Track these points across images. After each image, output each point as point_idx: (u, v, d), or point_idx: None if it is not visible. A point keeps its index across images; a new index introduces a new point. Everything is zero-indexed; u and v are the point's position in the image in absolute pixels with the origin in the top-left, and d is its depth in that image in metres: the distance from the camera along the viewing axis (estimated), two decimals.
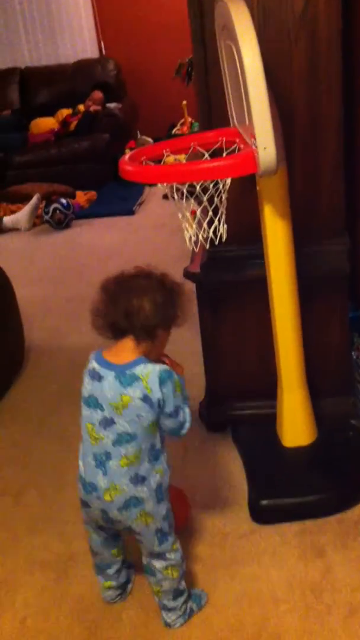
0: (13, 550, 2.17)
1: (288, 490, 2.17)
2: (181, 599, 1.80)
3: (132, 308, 1.61)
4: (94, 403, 1.64)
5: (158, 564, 1.75)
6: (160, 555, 1.74)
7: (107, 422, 1.62)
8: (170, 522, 1.74)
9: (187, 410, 1.69)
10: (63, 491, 2.36)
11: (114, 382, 1.60)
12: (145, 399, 1.59)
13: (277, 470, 2.25)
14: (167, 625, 1.82)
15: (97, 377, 1.64)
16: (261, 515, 2.15)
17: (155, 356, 1.68)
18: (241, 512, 2.19)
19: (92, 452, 1.65)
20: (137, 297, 1.61)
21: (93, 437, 1.65)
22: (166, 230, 4.86)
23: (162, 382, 1.59)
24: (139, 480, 1.64)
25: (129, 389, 1.59)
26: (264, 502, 2.15)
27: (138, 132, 6.83)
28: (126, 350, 1.64)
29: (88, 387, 1.66)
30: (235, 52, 1.67)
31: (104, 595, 1.92)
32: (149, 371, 1.59)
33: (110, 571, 1.87)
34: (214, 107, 2.15)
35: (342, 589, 1.88)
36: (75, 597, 1.97)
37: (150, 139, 6.36)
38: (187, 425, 1.70)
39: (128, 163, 1.83)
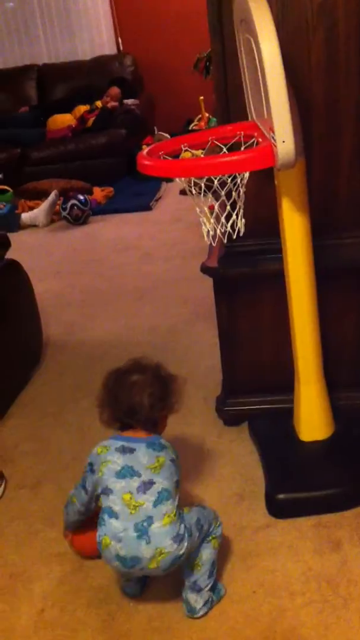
0: (30, 542, 2.19)
1: (305, 484, 2.17)
2: (212, 580, 1.83)
3: (134, 406, 1.78)
4: (129, 472, 1.73)
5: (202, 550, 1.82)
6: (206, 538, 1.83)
7: (147, 485, 1.71)
8: (204, 519, 1.81)
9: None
10: None
11: (147, 450, 1.76)
12: (173, 461, 1.78)
13: (294, 464, 2.25)
14: (192, 611, 1.82)
15: (128, 450, 1.76)
16: (278, 509, 2.15)
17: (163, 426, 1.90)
18: (258, 505, 2.19)
19: (134, 522, 1.69)
20: (137, 395, 1.79)
21: (132, 506, 1.70)
22: (183, 225, 4.86)
23: (177, 455, 1.82)
24: (179, 539, 1.70)
25: (162, 452, 1.76)
26: (281, 496, 2.15)
27: (155, 127, 6.83)
28: (139, 430, 1.81)
29: (119, 461, 1.75)
30: (254, 46, 1.67)
31: (124, 589, 1.94)
32: (169, 445, 1.81)
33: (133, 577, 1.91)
34: (232, 100, 2.15)
35: (358, 582, 1.88)
36: (92, 588, 1.98)
37: (167, 135, 6.36)
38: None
39: (146, 157, 1.84)
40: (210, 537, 1.83)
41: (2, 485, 2.41)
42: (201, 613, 1.83)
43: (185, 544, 1.71)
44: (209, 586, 1.83)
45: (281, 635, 1.77)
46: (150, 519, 1.68)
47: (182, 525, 1.72)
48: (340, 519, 2.10)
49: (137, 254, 4.57)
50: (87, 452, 1.86)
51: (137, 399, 1.78)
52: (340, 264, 2.26)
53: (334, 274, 2.27)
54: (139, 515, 1.69)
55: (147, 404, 1.78)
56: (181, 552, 1.70)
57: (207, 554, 1.82)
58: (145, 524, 1.68)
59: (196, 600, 1.82)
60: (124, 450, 1.76)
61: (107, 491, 1.74)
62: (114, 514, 1.71)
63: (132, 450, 1.76)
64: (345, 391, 2.45)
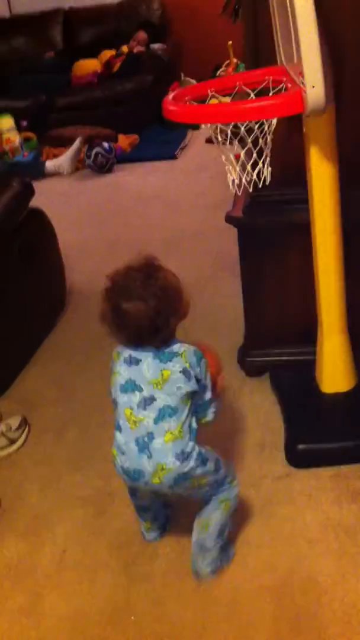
0: (54, 485, 2.24)
1: (325, 435, 2.19)
2: (221, 541, 1.82)
3: (139, 333, 1.66)
4: (131, 387, 1.68)
5: (219, 496, 1.80)
6: (220, 489, 1.80)
7: (147, 401, 1.66)
8: (224, 468, 1.78)
9: (211, 393, 1.76)
10: (104, 429, 2.40)
11: (153, 361, 1.67)
12: (184, 371, 1.66)
13: (315, 415, 2.26)
14: (196, 573, 1.83)
15: (134, 361, 1.69)
16: (298, 459, 2.17)
17: (183, 318, 1.73)
18: (278, 455, 2.21)
19: (134, 437, 1.67)
20: (137, 324, 1.64)
21: (132, 421, 1.67)
22: (208, 175, 4.80)
23: (198, 360, 1.69)
24: (184, 457, 1.65)
25: (169, 364, 1.66)
26: (301, 446, 2.17)
27: (182, 73, 6.70)
28: None
29: (124, 373, 1.70)
30: None
31: (144, 535, 1.97)
32: (186, 349, 1.68)
33: (150, 514, 1.92)
34: (261, 44, 2.09)
35: None
36: (113, 532, 2.03)
37: (194, 81, 6.23)
38: (212, 410, 1.78)
39: (172, 103, 1.81)
40: (221, 498, 1.80)
41: (26, 431, 2.46)
42: (204, 575, 1.83)
43: (192, 463, 1.66)
44: (217, 547, 1.82)
45: (298, 582, 1.80)
46: (151, 435, 1.65)
47: (192, 444, 1.67)
48: (359, 470, 2.11)
49: (162, 203, 4.53)
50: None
51: (138, 327, 1.64)
52: None
53: None
54: (139, 430, 1.66)
55: (150, 328, 1.64)
56: (186, 469, 1.65)
57: (216, 516, 1.80)
58: (146, 439, 1.65)
59: (202, 561, 1.82)
60: (130, 362, 1.70)
61: (115, 403, 1.73)
62: (118, 427, 1.71)
63: (137, 362, 1.68)
64: None
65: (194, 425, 1.71)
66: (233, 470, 1.84)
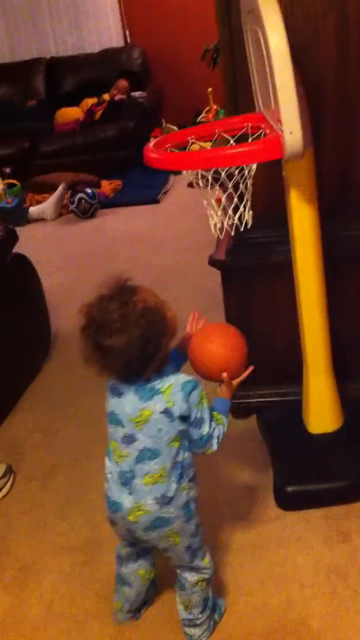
0: (40, 534, 2.20)
1: (314, 476, 2.17)
2: (208, 611, 1.75)
3: (133, 361, 1.49)
4: (115, 420, 1.58)
5: (190, 577, 1.71)
6: (192, 569, 1.71)
7: (128, 439, 1.56)
8: (201, 537, 1.69)
9: (213, 424, 1.61)
10: (90, 476, 2.38)
11: (133, 397, 1.54)
12: (166, 412, 1.52)
13: (303, 456, 2.25)
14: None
15: (117, 392, 1.57)
16: (286, 501, 2.15)
17: (164, 360, 1.56)
18: (267, 498, 2.19)
19: (118, 470, 1.60)
20: (120, 362, 1.49)
21: (118, 454, 1.59)
22: (192, 218, 4.85)
23: (185, 394, 1.52)
24: (165, 501, 1.57)
25: (149, 403, 1.52)
26: (290, 488, 2.15)
27: (163, 120, 6.81)
28: None
29: (109, 403, 1.60)
30: (261, 37, 1.66)
31: (114, 615, 1.85)
32: (171, 384, 1.53)
33: (130, 591, 1.80)
34: (239, 92, 2.14)
35: None
36: (101, 580, 1.99)
37: (175, 127, 6.34)
38: (215, 441, 1.61)
39: (153, 150, 1.84)
40: (193, 581, 1.71)
41: (11, 479, 2.42)
42: (204, 639, 1.77)
43: (172, 509, 1.58)
44: (206, 617, 1.76)
45: (290, 626, 1.77)
46: (132, 473, 1.57)
47: (174, 487, 1.57)
48: (349, 510, 2.10)
49: (146, 246, 4.56)
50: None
51: (128, 361, 1.49)
52: (353, 252, 2.26)
53: (346, 263, 2.27)
54: (124, 465, 1.58)
55: (141, 359, 1.48)
56: (164, 515, 1.57)
57: (195, 597, 1.73)
58: (128, 475, 1.58)
59: (195, 633, 1.76)
60: (113, 391, 1.58)
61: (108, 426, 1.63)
62: (108, 454, 1.64)
63: (120, 394, 1.56)
64: (358, 382, 2.44)
65: (187, 463, 1.60)
66: (205, 542, 1.74)
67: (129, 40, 7.09)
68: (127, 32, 7.07)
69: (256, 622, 1.80)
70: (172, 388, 1.52)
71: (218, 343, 1.74)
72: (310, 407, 2.26)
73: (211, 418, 1.60)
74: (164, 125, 6.67)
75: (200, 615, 1.75)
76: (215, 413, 1.64)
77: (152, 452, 1.55)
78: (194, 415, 1.56)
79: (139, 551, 1.76)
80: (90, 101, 6.59)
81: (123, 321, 1.46)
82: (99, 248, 4.72)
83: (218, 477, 2.31)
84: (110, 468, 1.63)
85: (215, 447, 1.62)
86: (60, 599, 1.96)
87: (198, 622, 1.75)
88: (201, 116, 6.47)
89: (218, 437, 1.62)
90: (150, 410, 1.52)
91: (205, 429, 1.58)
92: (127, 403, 1.55)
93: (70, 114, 6.58)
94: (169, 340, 1.55)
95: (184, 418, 1.55)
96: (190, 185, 5.41)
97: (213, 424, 1.61)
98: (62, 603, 1.95)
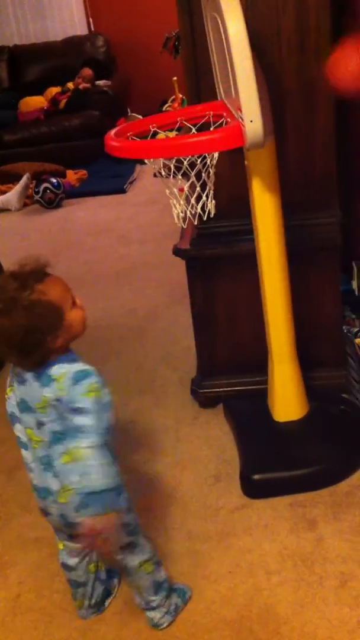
0: (6, 528, 2.19)
1: (280, 464, 2.19)
2: (163, 593, 1.75)
3: (10, 347, 1.46)
4: (25, 407, 1.55)
5: (131, 561, 1.69)
6: (131, 552, 1.68)
7: (39, 424, 1.54)
8: (135, 515, 1.68)
9: (92, 420, 1.45)
10: None
11: (34, 383, 1.51)
12: (59, 400, 1.48)
13: (269, 444, 2.26)
14: (155, 625, 1.77)
15: (21, 380, 1.54)
16: (253, 489, 2.16)
17: (76, 333, 1.54)
18: (233, 486, 2.20)
19: (36, 456, 1.57)
20: (9, 336, 1.44)
21: (34, 440, 1.56)
22: (158, 208, 4.84)
23: (75, 380, 1.47)
24: None
25: (46, 389, 1.49)
26: (256, 476, 2.16)
27: (129, 109, 6.77)
28: None
29: (18, 392, 1.57)
30: (220, 24, 1.66)
31: (78, 612, 1.84)
32: (64, 372, 1.48)
33: (86, 589, 1.79)
34: (201, 80, 2.13)
35: (333, 560, 1.90)
36: None
37: (140, 116, 6.30)
38: (85, 436, 1.44)
39: (113, 139, 1.82)
40: (135, 564, 1.69)
41: None
42: (165, 624, 1.76)
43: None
44: (163, 599, 1.75)
45: (257, 614, 1.78)
46: (49, 457, 1.55)
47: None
48: (315, 498, 2.12)
49: (112, 236, 4.54)
50: None
51: (5, 345, 1.46)
52: (315, 243, 2.26)
53: (309, 253, 2.27)
54: (40, 450, 1.56)
55: (18, 348, 1.45)
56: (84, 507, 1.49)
57: (144, 581, 1.71)
58: (46, 459, 1.56)
59: (154, 615, 1.76)
60: (19, 379, 1.55)
61: (14, 419, 1.60)
62: (23, 445, 1.61)
63: (24, 381, 1.53)
64: (323, 370, 2.46)
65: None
66: (138, 522, 1.70)
67: (92, 28, 7.03)
68: (91, 20, 7.01)
69: (223, 610, 1.81)
70: (65, 375, 1.47)
71: None
72: (275, 396, 2.27)
73: (99, 417, 1.46)
74: (129, 114, 6.63)
75: (153, 598, 1.74)
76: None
77: (61, 435, 1.50)
78: (75, 402, 1.45)
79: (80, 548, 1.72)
80: (54, 90, 6.53)
81: (11, 304, 1.42)
82: (64, 238, 4.69)
83: (185, 467, 2.32)
84: (28, 457, 1.60)
85: (87, 453, 1.44)
86: (28, 591, 1.95)
87: (154, 604, 1.75)
88: (167, 105, 6.44)
89: (97, 448, 1.44)
90: (47, 396, 1.49)
91: (83, 421, 1.45)
92: (31, 389, 1.52)
93: (34, 103, 6.51)
94: (58, 339, 1.48)
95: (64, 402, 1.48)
96: (156, 175, 5.40)
97: (100, 428, 1.45)
98: (29, 596, 1.94)
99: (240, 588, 1.86)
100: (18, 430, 1.62)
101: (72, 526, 1.59)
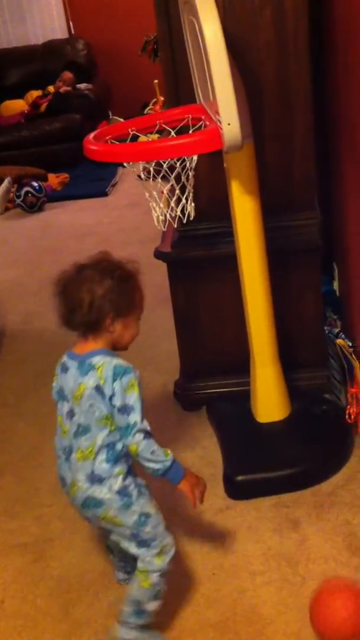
0: None
1: (263, 465, 2.19)
2: (138, 621, 1.64)
3: (73, 305, 1.59)
4: (62, 395, 1.64)
5: (138, 564, 1.64)
6: (141, 559, 1.63)
7: (70, 414, 1.61)
8: (155, 531, 1.62)
9: (145, 422, 1.55)
10: (40, 474, 2.36)
11: (75, 372, 1.60)
12: (98, 389, 1.55)
13: (252, 445, 2.27)
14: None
15: (65, 369, 1.64)
16: (237, 490, 2.17)
17: (124, 344, 1.67)
18: (217, 488, 2.19)
19: (62, 445, 1.64)
20: (76, 291, 1.58)
21: (63, 429, 1.63)
22: (140, 210, 4.83)
23: (115, 375, 1.55)
24: (95, 479, 1.57)
25: (85, 377, 1.57)
26: (239, 477, 2.17)
27: (110, 112, 6.76)
28: (89, 342, 1.62)
29: (59, 379, 1.66)
30: (197, 27, 1.66)
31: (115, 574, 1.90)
32: (105, 362, 1.57)
33: (116, 560, 1.87)
34: (180, 83, 2.14)
35: (316, 560, 1.91)
36: (53, 578, 1.98)
37: (121, 119, 6.29)
38: (142, 438, 1.53)
39: (92, 142, 1.82)
40: (140, 568, 1.63)
41: None
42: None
43: (106, 492, 1.56)
44: (136, 628, 1.65)
45: (242, 615, 1.79)
46: (71, 448, 1.60)
47: (106, 467, 1.56)
48: (298, 498, 2.13)
49: (95, 240, 4.53)
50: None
51: (75, 295, 1.58)
52: (296, 244, 2.27)
53: (290, 254, 2.28)
54: (66, 439, 1.62)
55: (85, 302, 1.57)
56: (97, 495, 1.57)
57: (133, 589, 1.64)
58: (68, 450, 1.61)
59: (119, 632, 1.66)
60: (62, 368, 1.65)
61: (56, 403, 1.68)
62: (57, 428, 1.66)
63: (66, 370, 1.63)
64: (305, 371, 2.47)
65: (119, 448, 1.58)
66: (167, 543, 1.65)
67: (73, 31, 7.02)
68: (71, 24, 7.00)
69: (208, 612, 1.81)
70: (105, 365, 1.56)
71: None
72: (257, 397, 2.28)
73: (142, 412, 1.55)
74: (110, 117, 6.63)
75: (131, 615, 1.64)
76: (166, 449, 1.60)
77: (84, 428, 1.58)
78: (121, 400, 1.54)
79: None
80: (35, 93, 6.51)
81: (108, 271, 1.59)
82: (47, 242, 4.68)
83: None
84: (57, 444, 1.66)
85: (142, 446, 1.53)
86: (12, 597, 1.94)
87: (126, 618, 1.65)
88: (148, 108, 6.44)
89: (148, 439, 1.54)
90: (85, 384, 1.57)
91: (133, 418, 1.53)
92: (71, 377, 1.60)
93: (15, 106, 6.49)
94: (115, 327, 1.61)
95: (110, 398, 1.55)
96: (140, 177, 5.40)
97: (145, 422, 1.55)
98: (13, 602, 1.93)
99: (224, 589, 1.86)
100: (57, 413, 1.67)
101: (85, 519, 1.67)
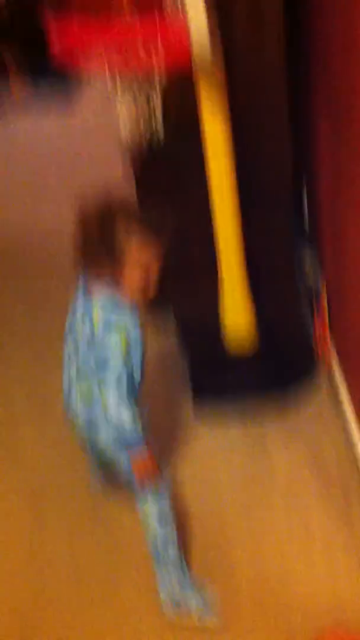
0: None
1: (227, 367, 2.25)
2: (161, 557, 1.68)
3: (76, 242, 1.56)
4: (72, 329, 1.64)
5: (139, 508, 1.68)
6: (139, 497, 1.66)
7: (76, 346, 1.64)
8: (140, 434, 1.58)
9: (122, 387, 1.52)
10: None
11: (83, 311, 1.60)
12: (93, 330, 1.56)
13: (217, 352, 2.28)
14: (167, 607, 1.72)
15: (74, 308, 1.64)
16: (201, 393, 2.26)
17: (138, 289, 1.58)
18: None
19: (71, 374, 1.67)
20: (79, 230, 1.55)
21: (72, 359, 1.66)
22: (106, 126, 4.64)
23: (106, 327, 1.54)
24: (87, 402, 1.62)
25: (91, 315, 1.56)
26: (205, 380, 2.28)
27: None
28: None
29: (79, 305, 1.63)
30: None
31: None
32: (125, 324, 1.55)
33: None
34: None
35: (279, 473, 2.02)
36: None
37: None
38: (111, 395, 1.51)
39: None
40: (142, 508, 1.66)
41: None
42: (162, 601, 1.71)
43: (101, 430, 1.60)
44: (164, 566, 1.69)
45: (211, 538, 1.88)
46: (72, 381, 1.66)
47: (98, 392, 1.56)
48: (265, 432, 2.18)
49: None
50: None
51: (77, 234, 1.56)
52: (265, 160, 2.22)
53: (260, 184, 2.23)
54: (73, 369, 1.65)
55: (79, 240, 1.55)
56: (92, 418, 1.61)
57: (147, 529, 1.66)
58: (74, 377, 1.65)
59: (157, 577, 1.72)
60: (73, 308, 1.65)
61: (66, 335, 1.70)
62: (63, 365, 1.69)
63: (76, 309, 1.63)
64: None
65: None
66: (148, 501, 1.65)
67: None
68: None
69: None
70: (99, 313, 1.55)
71: None
72: (225, 306, 2.25)
73: (119, 375, 1.52)
74: None
75: (154, 551, 1.69)
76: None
77: (86, 356, 1.58)
78: (102, 352, 1.53)
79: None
80: None
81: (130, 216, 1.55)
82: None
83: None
84: (64, 375, 1.68)
85: (111, 399, 1.52)
86: None
87: (153, 555, 1.70)
88: None
89: (119, 401, 1.52)
90: (91, 320, 1.56)
91: (106, 374, 1.52)
92: (79, 314, 1.60)
93: None
94: (123, 271, 1.53)
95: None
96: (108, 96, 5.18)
97: (120, 385, 1.52)
98: None
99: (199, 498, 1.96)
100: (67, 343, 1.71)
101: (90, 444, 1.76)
